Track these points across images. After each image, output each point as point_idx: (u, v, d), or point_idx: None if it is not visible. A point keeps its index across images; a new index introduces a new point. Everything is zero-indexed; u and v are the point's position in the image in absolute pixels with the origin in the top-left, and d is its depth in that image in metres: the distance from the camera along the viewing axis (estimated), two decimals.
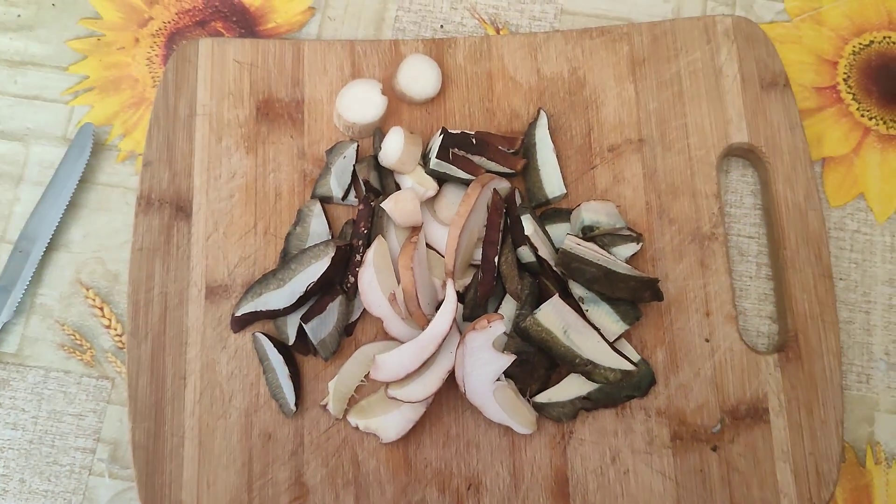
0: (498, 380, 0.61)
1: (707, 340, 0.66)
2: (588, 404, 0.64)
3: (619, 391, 0.64)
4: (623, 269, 0.64)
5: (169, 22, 0.77)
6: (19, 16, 0.77)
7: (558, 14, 0.77)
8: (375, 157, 0.68)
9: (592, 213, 0.66)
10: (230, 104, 0.72)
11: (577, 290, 0.65)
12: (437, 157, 0.65)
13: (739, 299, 0.69)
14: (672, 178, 0.70)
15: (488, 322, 0.60)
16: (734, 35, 0.72)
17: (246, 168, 0.70)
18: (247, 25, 0.77)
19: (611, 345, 0.63)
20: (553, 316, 0.61)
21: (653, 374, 0.65)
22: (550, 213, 0.68)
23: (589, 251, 0.63)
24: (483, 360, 0.60)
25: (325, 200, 0.69)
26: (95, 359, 0.69)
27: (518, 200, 0.66)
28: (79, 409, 0.68)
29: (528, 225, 0.63)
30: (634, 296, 0.64)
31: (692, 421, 0.64)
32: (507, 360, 0.61)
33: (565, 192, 0.68)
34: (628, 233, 0.67)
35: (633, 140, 0.70)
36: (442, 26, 0.77)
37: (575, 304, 0.63)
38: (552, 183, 0.68)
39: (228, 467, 0.64)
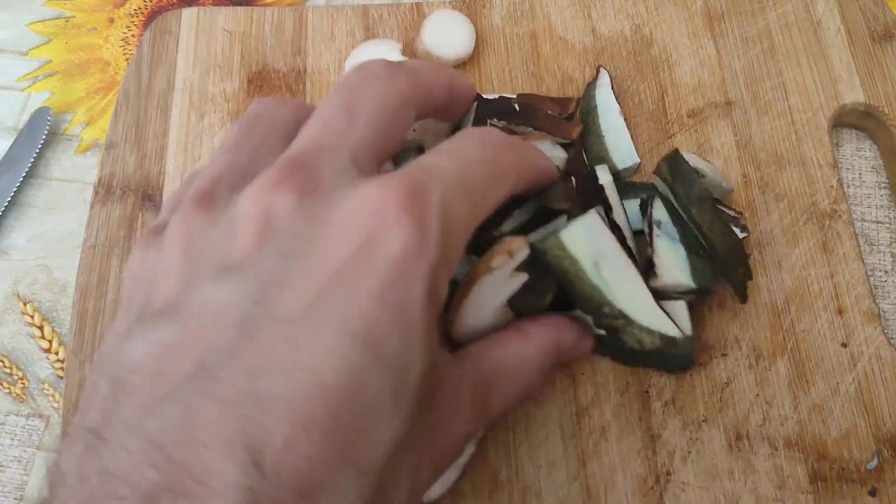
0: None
1: (844, 345, 0.49)
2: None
3: (644, 357, 0.47)
4: (728, 217, 0.48)
5: (151, 0, 0.65)
6: None
7: None
8: None
9: (694, 160, 0.50)
10: (216, 77, 0.58)
11: (657, 211, 0.48)
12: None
13: (877, 299, 0.52)
14: (773, 146, 0.54)
15: (511, 253, 0.41)
16: None
17: None
18: (241, 2, 0.65)
19: (657, 295, 0.45)
20: (583, 240, 0.43)
21: (693, 352, 0.47)
22: (622, 187, 0.52)
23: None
24: (492, 299, 0.43)
25: None
26: (27, 391, 0.52)
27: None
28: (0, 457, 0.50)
29: (604, 175, 0.48)
30: (726, 257, 0.47)
31: (837, 454, 0.46)
32: (519, 280, 0.43)
33: (639, 161, 0.53)
34: (730, 211, 0.51)
35: (719, 103, 0.56)
36: None
37: (620, 235, 0.46)
38: (622, 150, 0.53)
39: None
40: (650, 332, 0.45)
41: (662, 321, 0.45)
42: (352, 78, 0.35)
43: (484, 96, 0.52)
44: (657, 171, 0.49)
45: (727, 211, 0.51)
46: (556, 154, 0.51)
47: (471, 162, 0.33)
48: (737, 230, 0.50)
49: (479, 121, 0.52)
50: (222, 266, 0.29)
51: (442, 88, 0.39)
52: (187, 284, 0.30)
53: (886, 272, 0.53)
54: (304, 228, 0.28)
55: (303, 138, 0.32)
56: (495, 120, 0.52)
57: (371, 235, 0.27)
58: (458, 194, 0.31)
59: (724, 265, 0.48)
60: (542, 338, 0.43)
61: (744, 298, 0.49)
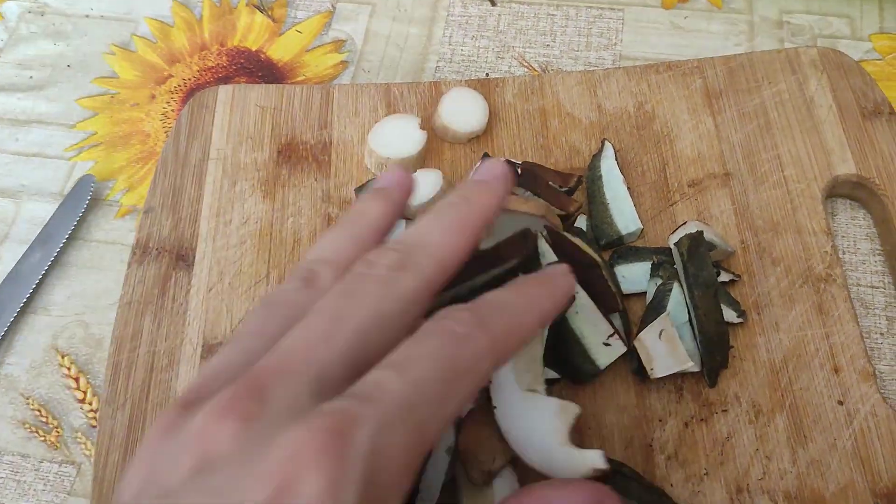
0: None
1: (840, 403, 0.51)
2: None
3: None
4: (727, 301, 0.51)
5: (189, 79, 0.71)
6: (31, 77, 0.72)
7: (617, 60, 0.69)
8: None
9: (696, 225, 0.53)
10: (248, 148, 0.63)
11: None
12: None
13: (872, 360, 0.54)
14: (770, 214, 0.57)
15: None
16: (822, 65, 0.63)
17: (261, 213, 0.60)
18: (273, 80, 0.70)
19: None
20: None
21: None
22: (625, 251, 0.56)
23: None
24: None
25: None
26: (61, 440, 0.55)
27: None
28: (32, 501, 0.53)
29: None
30: (710, 342, 0.51)
31: None
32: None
33: (641, 227, 0.56)
34: (730, 275, 0.54)
35: (718, 174, 0.59)
36: (487, 74, 0.69)
37: None
38: (625, 217, 0.56)
39: None
40: None
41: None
42: (357, 272, 0.33)
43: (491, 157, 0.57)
44: (678, 244, 0.52)
45: (725, 274, 0.54)
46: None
47: (423, 374, 0.30)
48: (734, 314, 0.53)
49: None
50: (162, 489, 0.29)
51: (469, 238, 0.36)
52: (136, 500, 0.30)
53: (882, 334, 0.55)
54: (235, 464, 0.28)
55: (276, 351, 0.31)
56: None
57: (286, 481, 0.26)
58: (397, 423, 0.28)
59: (705, 348, 0.50)
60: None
61: (713, 383, 0.51)
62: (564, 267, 0.38)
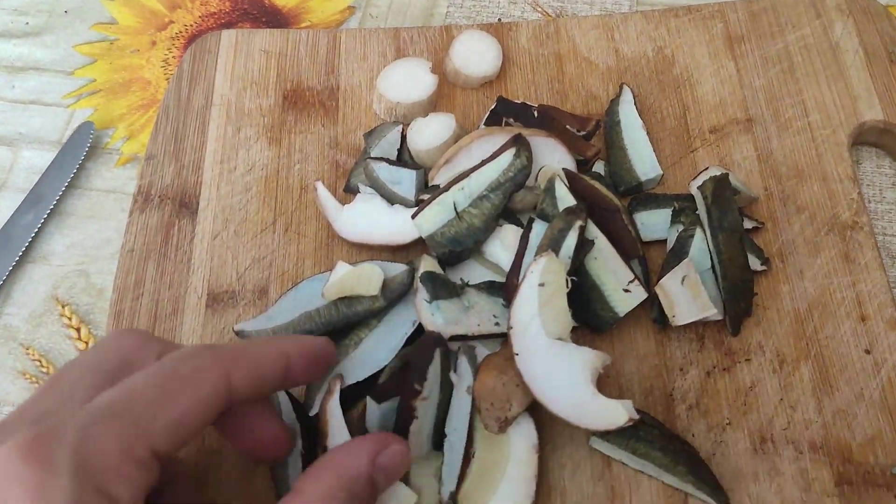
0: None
1: (868, 352, 0.49)
2: None
3: None
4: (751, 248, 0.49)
5: (191, 25, 0.69)
6: (27, 23, 0.69)
7: (633, 5, 0.67)
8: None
9: (716, 169, 0.51)
10: (253, 93, 0.61)
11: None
12: (486, 125, 0.53)
13: None
14: (794, 161, 0.55)
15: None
16: (848, 9, 0.61)
17: (267, 160, 0.58)
18: (277, 26, 0.68)
19: None
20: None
21: None
22: (644, 198, 0.54)
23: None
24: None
25: None
26: None
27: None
28: None
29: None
30: (735, 288, 0.49)
31: (862, 459, 0.46)
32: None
33: (661, 173, 0.54)
34: (753, 222, 0.52)
35: (741, 119, 0.57)
36: (500, 20, 0.67)
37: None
38: (644, 163, 0.54)
39: None
40: None
41: None
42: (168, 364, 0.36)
43: (506, 99, 0.55)
44: (702, 188, 0.50)
45: (748, 221, 0.52)
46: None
47: (134, 383, 0.35)
48: (758, 261, 0.51)
49: (496, 119, 0.54)
50: None
51: (272, 367, 0.40)
52: None
53: None
54: None
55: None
56: (512, 121, 0.54)
57: None
58: (106, 420, 0.33)
59: (729, 295, 0.49)
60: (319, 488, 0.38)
61: (736, 331, 0.50)
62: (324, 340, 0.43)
